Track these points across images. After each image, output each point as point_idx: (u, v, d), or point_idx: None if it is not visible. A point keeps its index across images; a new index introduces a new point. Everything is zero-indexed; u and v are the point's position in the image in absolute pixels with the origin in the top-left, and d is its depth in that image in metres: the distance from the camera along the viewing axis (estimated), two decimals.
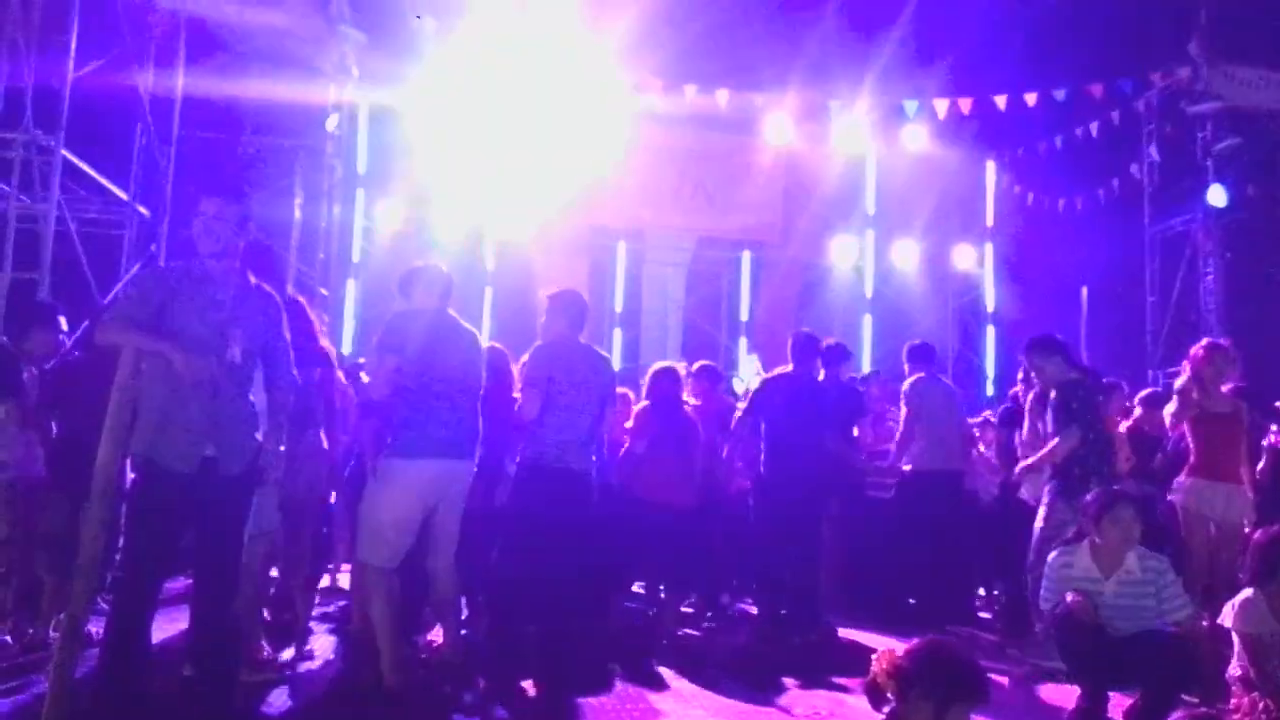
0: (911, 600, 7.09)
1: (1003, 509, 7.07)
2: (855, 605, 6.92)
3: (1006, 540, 7.00)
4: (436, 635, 5.19)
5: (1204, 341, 6.34)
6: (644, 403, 6.41)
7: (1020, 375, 7.40)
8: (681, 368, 6.86)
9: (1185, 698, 4.48)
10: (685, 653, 5.85)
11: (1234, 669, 4.67)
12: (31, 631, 5.24)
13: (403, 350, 4.58)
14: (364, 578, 4.67)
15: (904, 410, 7.14)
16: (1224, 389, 6.07)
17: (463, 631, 5.22)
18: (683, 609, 6.76)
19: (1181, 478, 6.02)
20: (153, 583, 3.82)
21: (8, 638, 5.21)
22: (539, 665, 5.01)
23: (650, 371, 6.61)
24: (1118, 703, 4.49)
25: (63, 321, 5.68)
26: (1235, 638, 4.68)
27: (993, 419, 7.87)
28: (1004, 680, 5.29)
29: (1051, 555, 4.73)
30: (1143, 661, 4.31)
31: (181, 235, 3.76)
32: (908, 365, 7.38)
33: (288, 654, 5.16)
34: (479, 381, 4.86)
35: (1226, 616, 4.71)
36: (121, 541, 3.84)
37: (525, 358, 5.28)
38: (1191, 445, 6.04)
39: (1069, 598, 4.43)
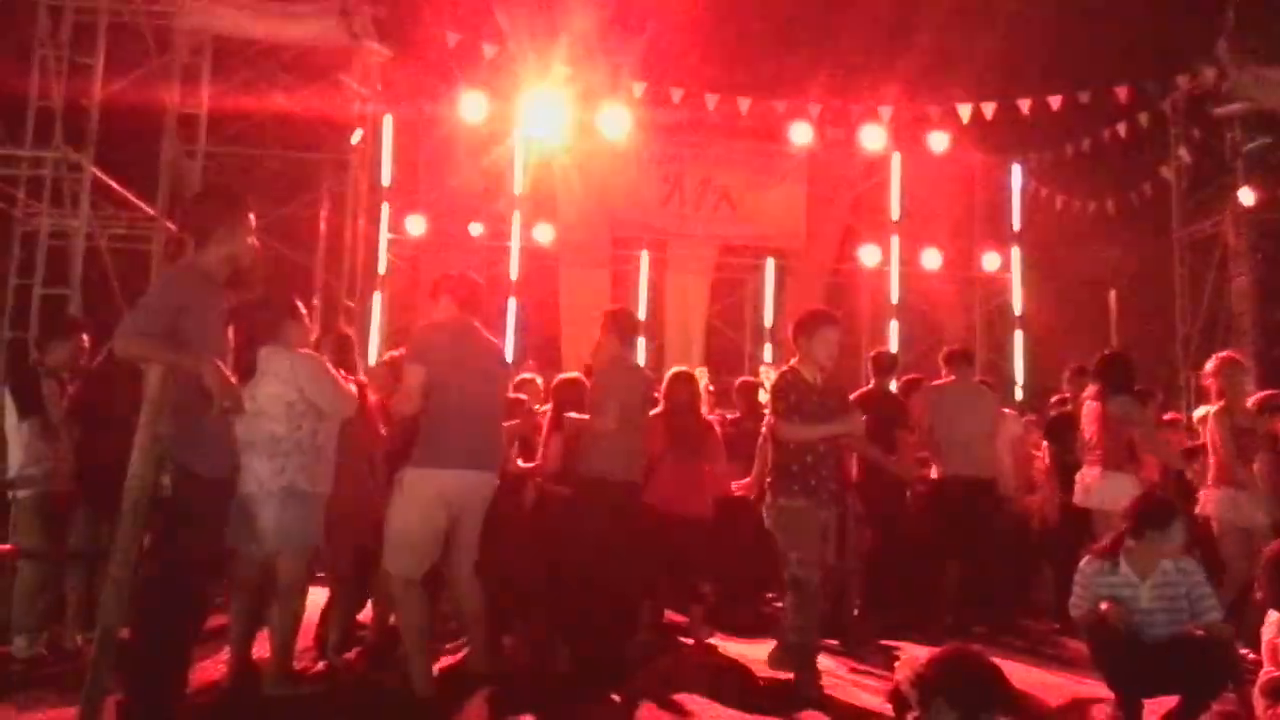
0: (937, 608, 7.03)
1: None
2: (882, 613, 6.87)
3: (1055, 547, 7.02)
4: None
5: (1216, 357, 6.30)
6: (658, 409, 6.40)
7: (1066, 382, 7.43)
8: (703, 374, 6.86)
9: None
10: (710, 660, 5.84)
11: (1263, 679, 4.59)
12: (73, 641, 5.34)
13: (429, 362, 4.62)
14: (390, 587, 4.70)
15: (922, 417, 7.11)
16: (1249, 403, 6.10)
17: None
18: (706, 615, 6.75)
19: (1209, 489, 5.99)
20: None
21: (43, 649, 5.28)
22: (561, 677, 5.04)
23: (666, 378, 6.60)
24: (1150, 710, 4.44)
25: (85, 338, 5.74)
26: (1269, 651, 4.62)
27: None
28: (1032, 689, 5.24)
29: (1084, 561, 4.68)
30: (1177, 667, 4.28)
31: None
32: (942, 371, 7.33)
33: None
34: (502, 392, 4.89)
35: (1269, 635, 4.66)
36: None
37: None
38: (1213, 456, 6.03)
39: (1103, 607, 4.40)
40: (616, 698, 4.88)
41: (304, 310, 4.87)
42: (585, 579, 5.27)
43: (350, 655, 5.40)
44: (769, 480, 5.33)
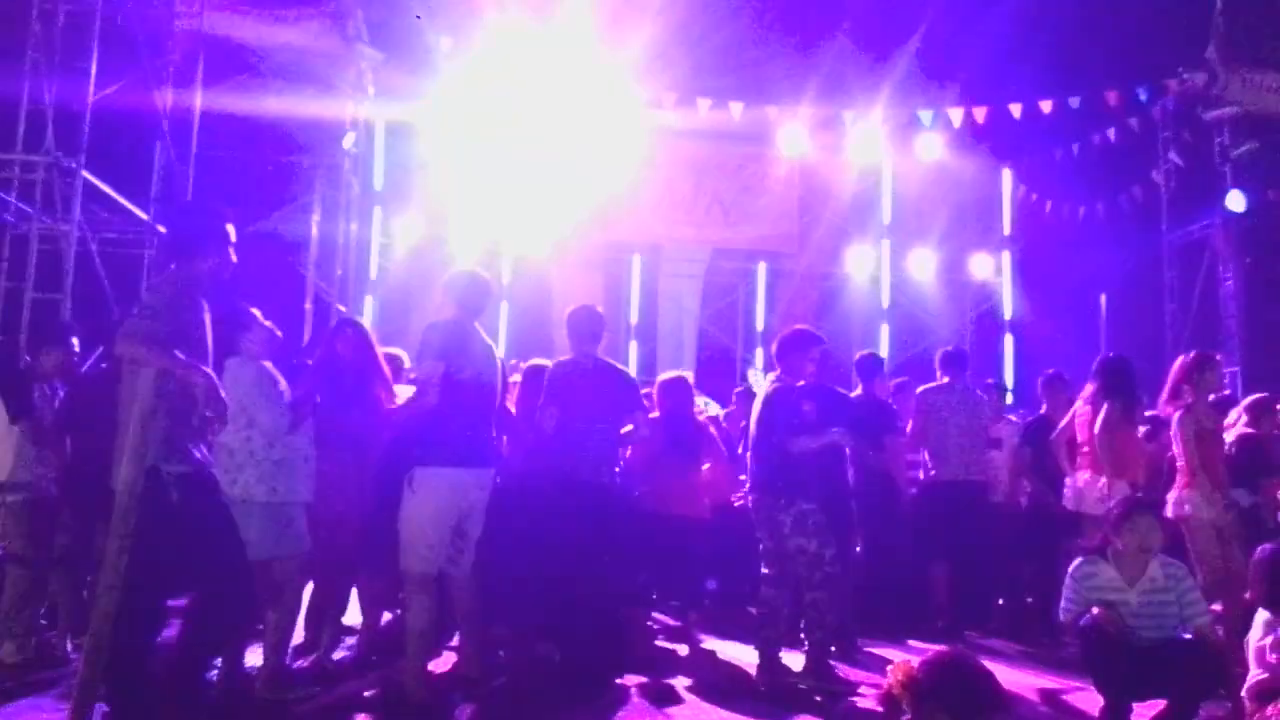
0: (926, 612, 7.05)
1: (1032, 519, 7.14)
2: (872, 616, 6.88)
3: (1035, 550, 7.04)
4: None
5: (1184, 356, 6.23)
6: (654, 413, 6.41)
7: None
8: (690, 376, 6.89)
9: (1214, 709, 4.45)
10: (703, 664, 5.85)
11: (1250, 682, 4.60)
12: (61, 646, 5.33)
13: (445, 358, 4.68)
14: (404, 585, 4.74)
15: (912, 419, 7.13)
16: (1209, 399, 6.05)
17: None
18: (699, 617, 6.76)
19: (1181, 491, 5.91)
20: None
21: (32, 655, 5.26)
22: (555, 681, 5.04)
23: (659, 382, 6.64)
24: (1139, 713, 4.46)
25: (75, 342, 5.74)
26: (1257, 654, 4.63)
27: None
28: (1023, 692, 5.26)
29: (1074, 565, 4.70)
30: (1167, 670, 4.29)
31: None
32: (937, 372, 7.33)
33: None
34: (495, 392, 4.94)
35: (1257, 638, 4.65)
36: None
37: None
38: (1183, 459, 5.93)
39: (1094, 611, 4.42)
40: (611, 702, 4.88)
41: (263, 321, 4.85)
42: (555, 579, 5.29)
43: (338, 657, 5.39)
44: (783, 488, 5.39)
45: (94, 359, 5.71)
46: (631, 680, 5.24)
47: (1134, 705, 4.46)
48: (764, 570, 5.50)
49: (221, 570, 3.82)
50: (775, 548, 5.42)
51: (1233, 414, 6.80)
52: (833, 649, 5.67)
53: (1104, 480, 6.08)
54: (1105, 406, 6.11)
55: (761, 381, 9.13)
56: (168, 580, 3.84)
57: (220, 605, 3.85)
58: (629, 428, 5.56)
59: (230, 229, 4.03)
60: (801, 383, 5.48)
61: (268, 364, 4.75)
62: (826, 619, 5.33)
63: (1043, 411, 7.36)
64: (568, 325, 5.61)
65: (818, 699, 5.08)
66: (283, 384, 4.73)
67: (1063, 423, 6.61)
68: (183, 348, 3.67)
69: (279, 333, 5.02)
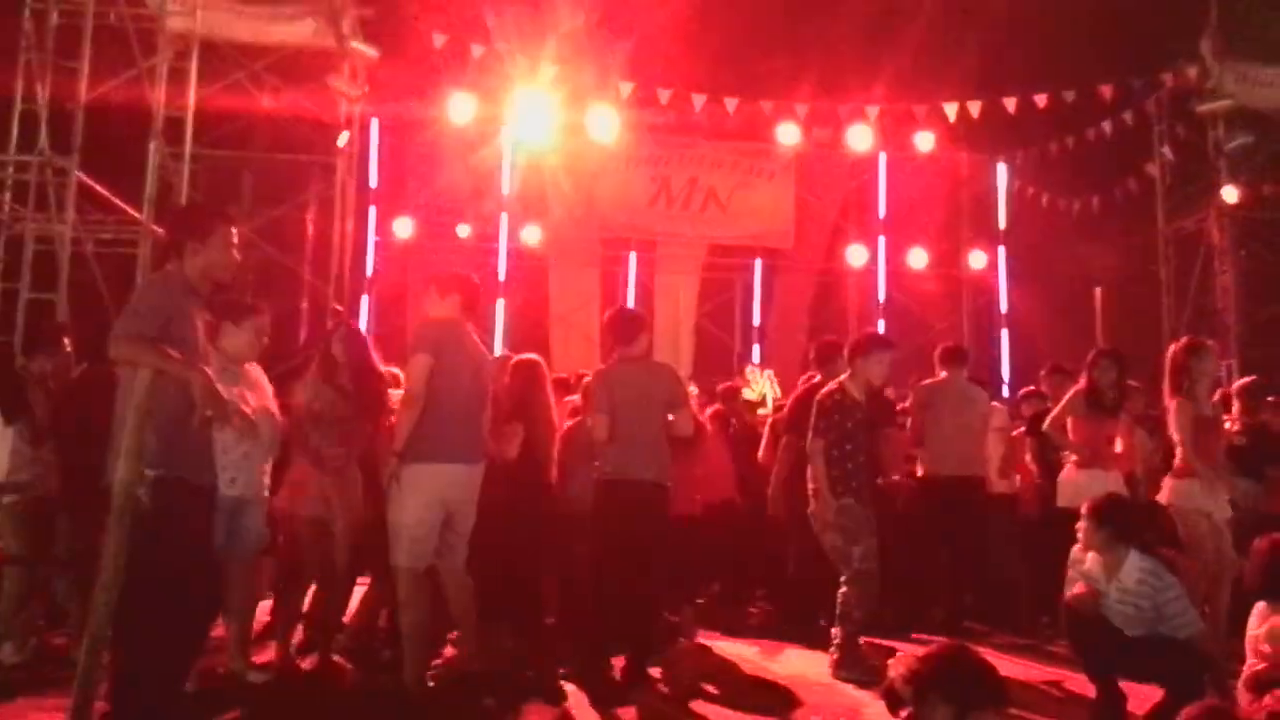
0: (925, 605, 7.05)
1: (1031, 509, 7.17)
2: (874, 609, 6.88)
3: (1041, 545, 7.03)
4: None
5: (1177, 343, 6.18)
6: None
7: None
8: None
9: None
10: (702, 660, 5.85)
11: (1247, 672, 4.60)
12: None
13: (437, 355, 4.69)
14: (397, 581, 4.72)
15: (910, 414, 7.13)
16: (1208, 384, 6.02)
17: None
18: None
19: (1173, 480, 5.88)
20: None
21: (31, 655, 5.26)
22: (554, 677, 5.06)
23: None
24: (1137, 705, 4.47)
25: (67, 342, 5.74)
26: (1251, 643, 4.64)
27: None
28: (1022, 683, 5.27)
29: (1076, 548, 4.74)
30: (1156, 663, 4.33)
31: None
32: (936, 368, 7.33)
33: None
34: (486, 392, 4.96)
35: (1252, 627, 4.66)
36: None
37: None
38: (1179, 446, 5.88)
39: (1077, 588, 4.57)
40: (609, 697, 4.88)
41: (255, 316, 4.83)
42: (608, 580, 5.31)
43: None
44: (820, 484, 5.50)
45: (88, 359, 5.68)
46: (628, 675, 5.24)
47: (1127, 695, 4.48)
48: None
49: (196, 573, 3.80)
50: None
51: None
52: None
53: (1090, 473, 6.10)
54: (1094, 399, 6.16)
55: (758, 379, 9.14)
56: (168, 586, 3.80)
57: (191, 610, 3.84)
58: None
59: (234, 230, 4.02)
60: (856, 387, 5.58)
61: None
62: (854, 614, 5.41)
63: (1049, 404, 7.36)
64: (605, 329, 5.63)
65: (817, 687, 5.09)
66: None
67: (1054, 413, 6.55)
68: (175, 346, 3.64)
69: (265, 339, 4.98)
